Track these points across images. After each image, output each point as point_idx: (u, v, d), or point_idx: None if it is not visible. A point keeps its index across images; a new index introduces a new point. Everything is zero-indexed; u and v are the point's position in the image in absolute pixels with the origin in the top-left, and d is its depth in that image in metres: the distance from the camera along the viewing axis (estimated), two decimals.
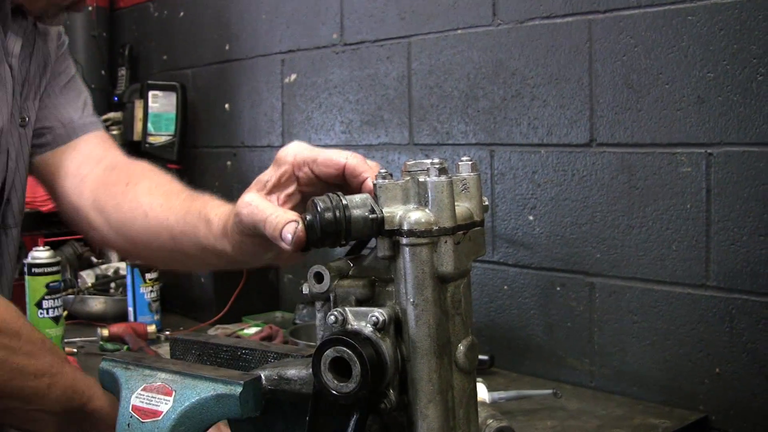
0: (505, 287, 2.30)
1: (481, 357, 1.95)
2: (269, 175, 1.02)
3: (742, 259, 1.86)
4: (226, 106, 3.21)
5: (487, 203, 0.93)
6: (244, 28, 3.11)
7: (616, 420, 1.92)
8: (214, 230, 1.13)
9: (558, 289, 2.19)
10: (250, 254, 1.08)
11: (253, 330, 2.62)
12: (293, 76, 2.91)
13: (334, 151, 1.00)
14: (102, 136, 1.60)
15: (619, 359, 2.08)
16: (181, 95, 3.31)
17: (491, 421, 1.72)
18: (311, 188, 1.02)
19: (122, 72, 3.63)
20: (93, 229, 1.47)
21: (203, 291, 2.85)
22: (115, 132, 3.39)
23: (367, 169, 0.97)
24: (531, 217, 2.23)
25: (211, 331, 2.64)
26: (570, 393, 2.08)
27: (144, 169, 1.47)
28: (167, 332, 2.66)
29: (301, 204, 1.03)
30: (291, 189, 1.02)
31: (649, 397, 2.03)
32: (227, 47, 3.19)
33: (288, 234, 0.93)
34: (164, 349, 2.43)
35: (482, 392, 1.89)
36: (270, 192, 1.02)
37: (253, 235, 1.00)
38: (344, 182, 1.00)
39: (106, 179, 1.45)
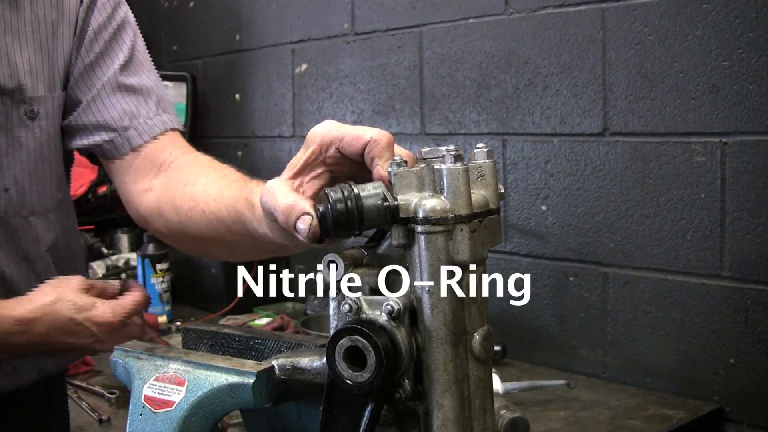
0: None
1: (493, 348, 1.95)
2: (298, 158, 1.01)
3: (758, 249, 1.85)
4: (237, 96, 3.20)
5: (503, 191, 0.92)
6: (254, 18, 3.10)
7: (630, 411, 1.92)
8: (257, 215, 1.11)
9: (571, 279, 2.18)
10: (283, 239, 1.06)
11: (264, 320, 2.61)
12: (304, 66, 2.90)
13: (361, 128, 0.98)
14: (163, 140, 1.52)
15: (633, 350, 2.07)
16: (191, 86, 3.30)
17: (504, 411, 1.71)
18: (340, 167, 1.00)
19: None
20: (163, 235, 1.48)
21: (214, 281, 2.85)
22: None
23: (382, 154, 0.95)
24: (544, 207, 2.22)
25: (222, 322, 2.63)
26: (583, 384, 2.08)
27: (203, 165, 1.44)
28: (178, 323, 2.66)
29: (329, 185, 1.01)
30: (318, 170, 1.00)
31: (662, 388, 2.01)
32: (238, 37, 3.19)
33: (301, 226, 0.92)
34: (175, 340, 2.43)
35: (495, 383, 1.88)
36: (296, 175, 1.00)
37: (276, 220, 0.99)
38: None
39: (167, 184, 1.44)
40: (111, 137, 1.49)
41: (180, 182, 1.41)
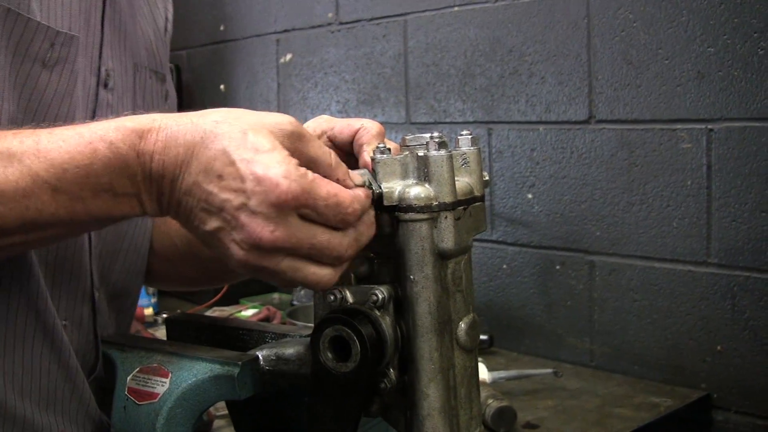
0: (504, 266, 2.28)
1: (480, 337, 1.94)
2: None
3: (744, 235, 1.85)
4: (222, 87, 3.19)
5: (487, 178, 0.91)
6: (238, 8, 3.08)
7: (617, 399, 1.91)
8: None
9: (557, 267, 2.18)
10: None
11: (250, 312, 2.60)
12: (289, 56, 2.88)
13: (353, 119, 0.99)
14: None
15: (620, 338, 2.07)
16: (176, 77, 3.28)
17: (492, 401, 1.72)
18: None
19: None
20: None
21: None
22: None
23: (371, 141, 0.94)
24: (530, 196, 2.21)
25: (209, 314, 2.62)
26: (570, 372, 2.07)
27: None
28: (164, 315, 2.64)
29: None
30: None
31: (650, 376, 2.02)
32: (222, 28, 3.17)
33: None
34: (161, 332, 2.42)
35: (482, 372, 1.88)
36: None
37: None
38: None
39: None
40: None
41: None
